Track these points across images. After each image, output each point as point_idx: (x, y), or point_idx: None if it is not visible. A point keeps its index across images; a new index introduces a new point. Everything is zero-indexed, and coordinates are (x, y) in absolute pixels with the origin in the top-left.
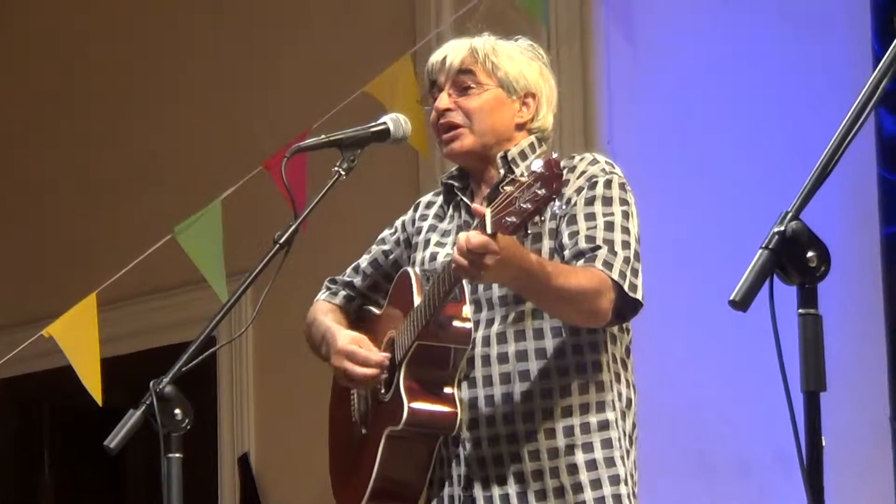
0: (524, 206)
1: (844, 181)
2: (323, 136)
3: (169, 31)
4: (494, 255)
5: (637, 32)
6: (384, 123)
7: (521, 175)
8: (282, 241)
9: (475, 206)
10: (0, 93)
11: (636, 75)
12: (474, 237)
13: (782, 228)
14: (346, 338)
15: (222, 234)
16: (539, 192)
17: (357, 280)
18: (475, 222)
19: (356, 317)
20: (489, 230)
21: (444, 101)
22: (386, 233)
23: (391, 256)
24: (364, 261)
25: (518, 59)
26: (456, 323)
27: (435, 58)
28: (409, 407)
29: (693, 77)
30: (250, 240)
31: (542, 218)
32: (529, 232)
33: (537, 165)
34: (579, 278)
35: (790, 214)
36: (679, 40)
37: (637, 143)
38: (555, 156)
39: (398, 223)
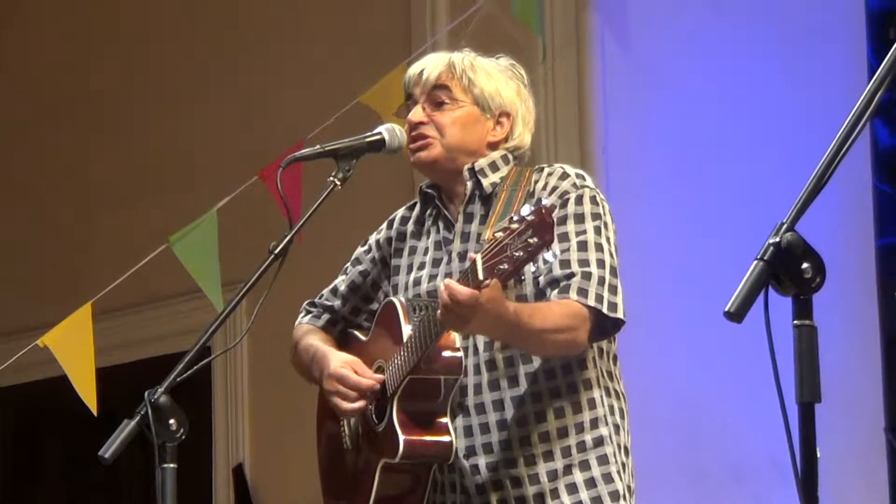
0: (516, 254)
1: (840, 192)
2: (318, 147)
3: (165, 42)
4: (476, 308)
5: (632, 43)
6: (379, 134)
7: (510, 220)
8: (277, 251)
9: (471, 255)
10: None
11: (631, 85)
12: (463, 292)
13: (777, 239)
14: (339, 361)
15: (218, 244)
16: (531, 240)
17: (337, 304)
18: (466, 270)
19: (340, 341)
20: (480, 276)
21: (417, 114)
22: (360, 251)
23: (369, 277)
24: (342, 283)
25: (495, 77)
26: (446, 353)
27: (413, 70)
28: (404, 440)
29: (688, 87)
30: (246, 250)
31: (536, 265)
32: (524, 278)
33: (528, 213)
34: (555, 318)
35: (785, 225)
36: (675, 51)
37: (632, 152)
38: (545, 202)
39: (372, 241)
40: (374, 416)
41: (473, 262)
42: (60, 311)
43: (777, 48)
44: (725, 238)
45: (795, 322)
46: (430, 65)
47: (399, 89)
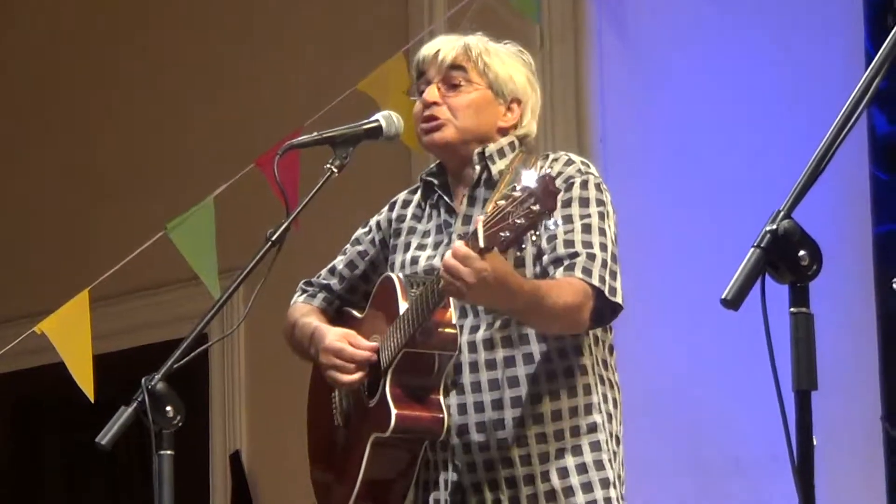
0: (518, 221)
1: (837, 180)
2: (315, 134)
3: (164, 29)
4: (481, 271)
5: (630, 31)
6: (377, 121)
7: (513, 189)
8: (274, 238)
9: (477, 217)
10: None
11: (629, 73)
12: (460, 248)
13: (774, 227)
14: (335, 335)
15: (215, 231)
16: (533, 207)
17: (334, 282)
18: (468, 234)
19: (335, 319)
20: (482, 244)
21: (432, 93)
22: (360, 232)
23: (367, 258)
24: (340, 262)
25: (508, 63)
26: (442, 329)
27: (427, 50)
28: (396, 414)
29: (686, 75)
30: (243, 237)
31: (537, 233)
32: (524, 247)
33: (531, 180)
34: (563, 295)
35: (782, 213)
36: (672, 39)
37: (630, 141)
38: (549, 171)
39: (372, 223)
40: (365, 391)
41: (475, 229)
42: (57, 297)
43: (774, 36)
44: (723, 226)
45: (792, 310)
46: (446, 45)
47: (396, 77)
